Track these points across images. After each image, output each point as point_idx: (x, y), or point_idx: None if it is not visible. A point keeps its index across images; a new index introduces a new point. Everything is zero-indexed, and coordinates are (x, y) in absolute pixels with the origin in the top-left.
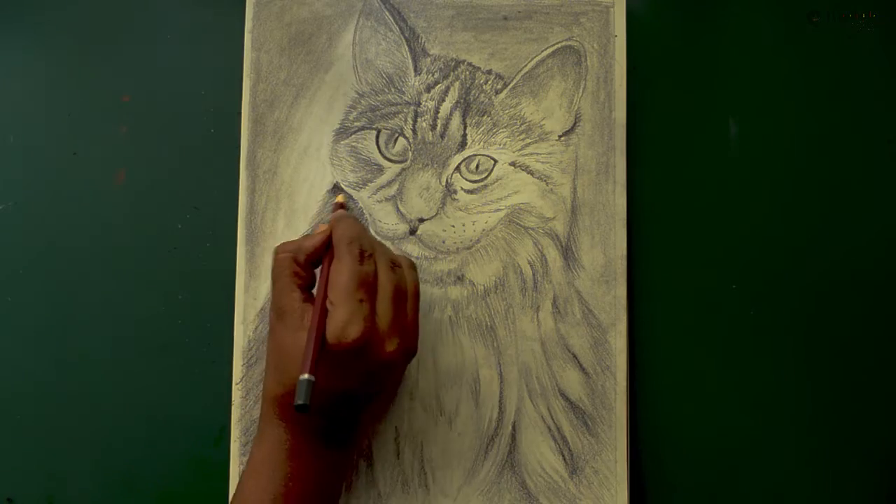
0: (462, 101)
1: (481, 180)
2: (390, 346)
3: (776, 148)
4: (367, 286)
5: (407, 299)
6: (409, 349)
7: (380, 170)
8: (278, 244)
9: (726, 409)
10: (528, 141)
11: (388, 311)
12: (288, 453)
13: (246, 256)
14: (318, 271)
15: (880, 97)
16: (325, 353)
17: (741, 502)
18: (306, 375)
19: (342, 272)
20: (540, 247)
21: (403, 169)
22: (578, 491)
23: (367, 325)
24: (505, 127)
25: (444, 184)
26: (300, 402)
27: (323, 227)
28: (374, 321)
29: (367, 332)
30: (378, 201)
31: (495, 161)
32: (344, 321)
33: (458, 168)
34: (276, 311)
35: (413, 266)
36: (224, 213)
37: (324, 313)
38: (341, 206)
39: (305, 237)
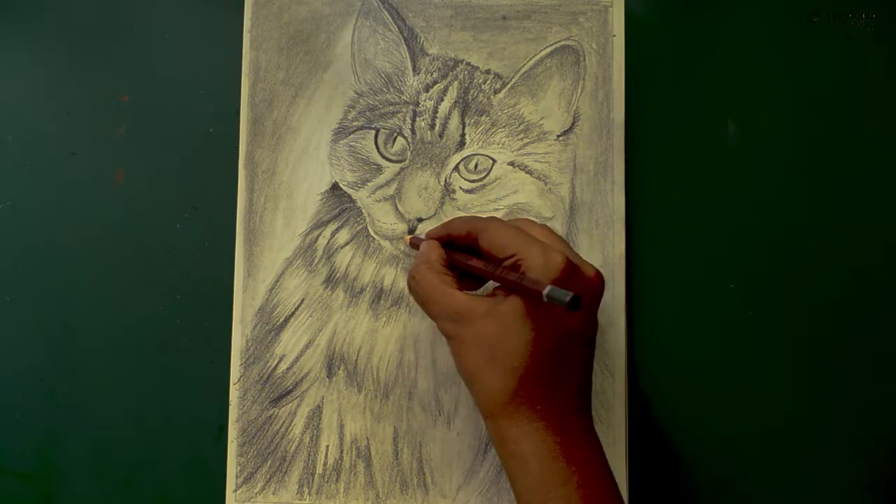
0: (461, 100)
1: (480, 180)
2: (588, 269)
3: (775, 148)
4: (527, 234)
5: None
6: (601, 276)
7: (378, 169)
8: (409, 276)
9: (725, 408)
10: (527, 140)
11: (559, 243)
12: (558, 447)
13: (244, 256)
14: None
15: (880, 97)
16: (538, 302)
17: (741, 502)
18: (547, 288)
19: (498, 233)
20: None
21: (402, 168)
22: None
23: (561, 252)
24: (503, 126)
25: (442, 183)
26: (567, 298)
27: (421, 243)
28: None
29: (566, 258)
30: (377, 201)
31: (494, 161)
32: (541, 256)
33: (456, 168)
34: (452, 318)
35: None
36: (223, 213)
37: (510, 277)
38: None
39: (421, 253)
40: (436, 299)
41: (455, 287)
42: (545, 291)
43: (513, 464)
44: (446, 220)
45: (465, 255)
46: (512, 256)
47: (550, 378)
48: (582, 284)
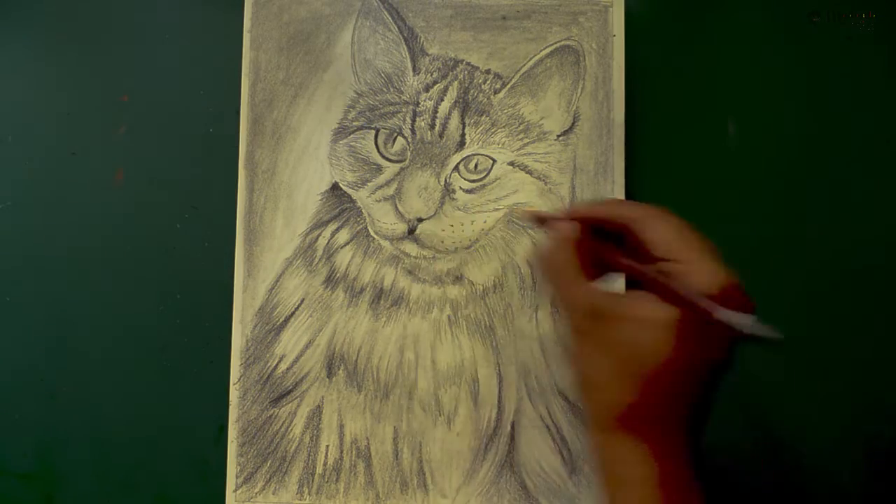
0: (461, 100)
1: (480, 180)
2: (745, 298)
3: (775, 147)
4: (695, 239)
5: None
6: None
7: (378, 169)
8: (547, 252)
9: (725, 408)
10: (527, 140)
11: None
12: (658, 481)
13: (244, 256)
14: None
15: (880, 97)
16: (694, 320)
17: (741, 501)
18: (733, 314)
19: (662, 228)
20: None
21: (402, 168)
22: (578, 491)
23: (731, 274)
24: (503, 126)
25: (442, 183)
26: (769, 334)
27: (560, 220)
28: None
29: (737, 282)
30: (377, 201)
31: (494, 160)
32: (710, 272)
33: (456, 167)
34: (588, 313)
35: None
36: (223, 213)
37: (664, 282)
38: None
39: (562, 233)
40: (573, 289)
41: (593, 278)
42: (745, 322)
43: (614, 487)
44: (445, 219)
45: (609, 246)
46: (670, 260)
47: (677, 402)
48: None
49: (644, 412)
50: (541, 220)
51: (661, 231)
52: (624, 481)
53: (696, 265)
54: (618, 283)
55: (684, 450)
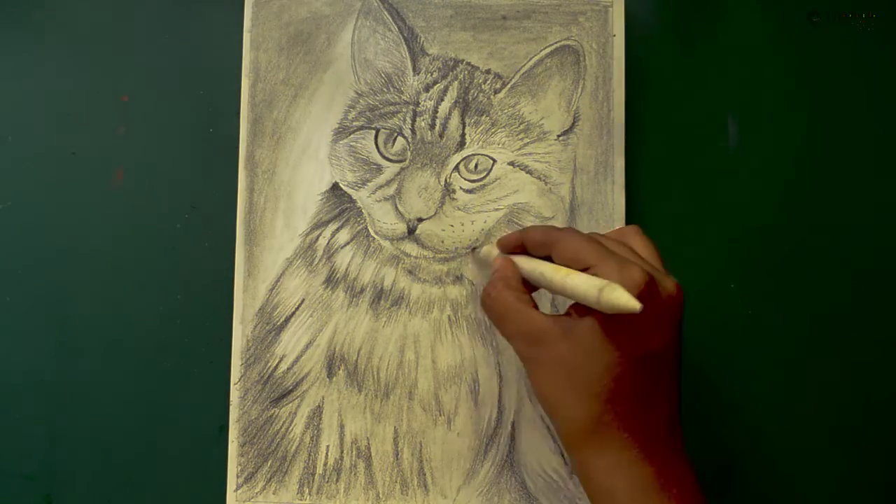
0: (461, 100)
1: (480, 180)
2: (669, 284)
3: (775, 147)
4: (602, 247)
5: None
6: (680, 290)
7: (378, 169)
8: (483, 293)
9: (724, 408)
10: (527, 140)
11: (633, 256)
12: (651, 477)
13: (244, 256)
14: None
15: (880, 97)
16: (616, 317)
17: (740, 501)
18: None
19: (571, 244)
20: None
21: (402, 168)
22: (578, 491)
23: (638, 267)
24: (504, 126)
25: (442, 183)
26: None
27: (495, 258)
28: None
29: (645, 273)
30: (377, 201)
31: (494, 160)
32: (617, 271)
33: (456, 167)
34: (528, 340)
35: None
36: (223, 213)
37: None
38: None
39: (495, 272)
40: (511, 318)
41: (532, 306)
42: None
43: (601, 500)
44: (446, 219)
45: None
46: (585, 270)
47: (636, 401)
48: (660, 301)
49: (614, 417)
50: (481, 263)
51: (573, 247)
52: (611, 492)
53: (605, 272)
54: None
55: (668, 441)
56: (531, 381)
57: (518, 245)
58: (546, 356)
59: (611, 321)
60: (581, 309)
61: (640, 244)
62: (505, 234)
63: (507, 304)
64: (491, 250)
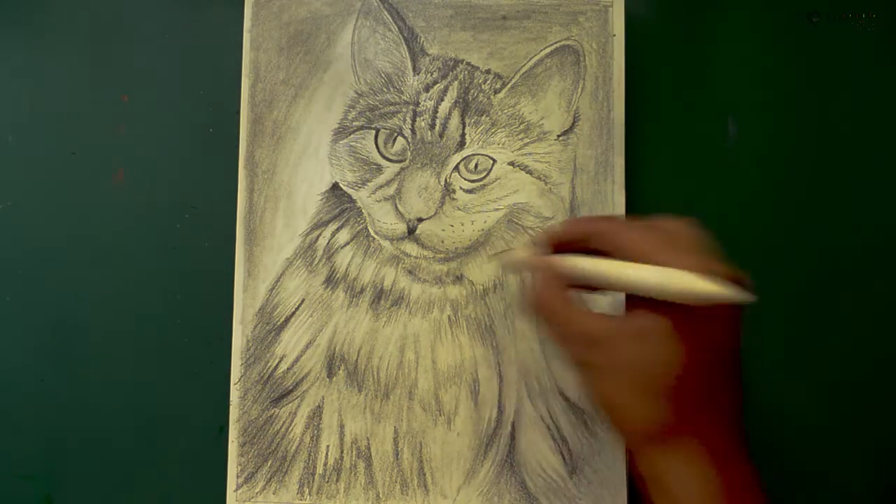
0: (461, 100)
1: (480, 180)
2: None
3: (775, 148)
4: (663, 236)
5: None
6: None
7: (378, 169)
8: (529, 294)
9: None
10: (527, 140)
11: (699, 244)
12: (721, 483)
13: (244, 256)
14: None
15: (880, 97)
16: (685, 314)
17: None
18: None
19: (629, 236)
20: None
21: (402, 168)
22: (578, 491)
23: (716, 259)
24: (504, 126)
25: (442, 183)
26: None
27: (533, 258)
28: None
29: (726, 264)
30: (377, 201)
31: (494, 160)
32: (702, 264)
33: (456, 167)
34: (586, 343)
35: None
36: (223, 213)
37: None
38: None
39: (545, 268)
40: (566, 322)
41: (584, 306)
42: (726, 292)
43: (665, 502)
44: (446, 219)
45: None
46: (646, 263)
47: (706, 400)
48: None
49: (685, 418)
50: (517, 266)
51: (631, 239)
52: (680, 497)
53: (670, 260)
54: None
55: (736, 442)
56: (588, 388)
57: (561, 242)
58: (608, 359)
59: (680, 317)
60: (644, 307)
61: (695, 238)
62: (543, 231)
63: (559, 307)
64: (520, 252)
